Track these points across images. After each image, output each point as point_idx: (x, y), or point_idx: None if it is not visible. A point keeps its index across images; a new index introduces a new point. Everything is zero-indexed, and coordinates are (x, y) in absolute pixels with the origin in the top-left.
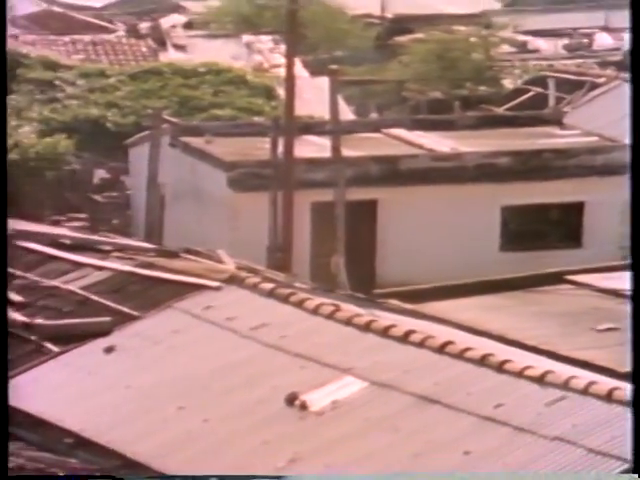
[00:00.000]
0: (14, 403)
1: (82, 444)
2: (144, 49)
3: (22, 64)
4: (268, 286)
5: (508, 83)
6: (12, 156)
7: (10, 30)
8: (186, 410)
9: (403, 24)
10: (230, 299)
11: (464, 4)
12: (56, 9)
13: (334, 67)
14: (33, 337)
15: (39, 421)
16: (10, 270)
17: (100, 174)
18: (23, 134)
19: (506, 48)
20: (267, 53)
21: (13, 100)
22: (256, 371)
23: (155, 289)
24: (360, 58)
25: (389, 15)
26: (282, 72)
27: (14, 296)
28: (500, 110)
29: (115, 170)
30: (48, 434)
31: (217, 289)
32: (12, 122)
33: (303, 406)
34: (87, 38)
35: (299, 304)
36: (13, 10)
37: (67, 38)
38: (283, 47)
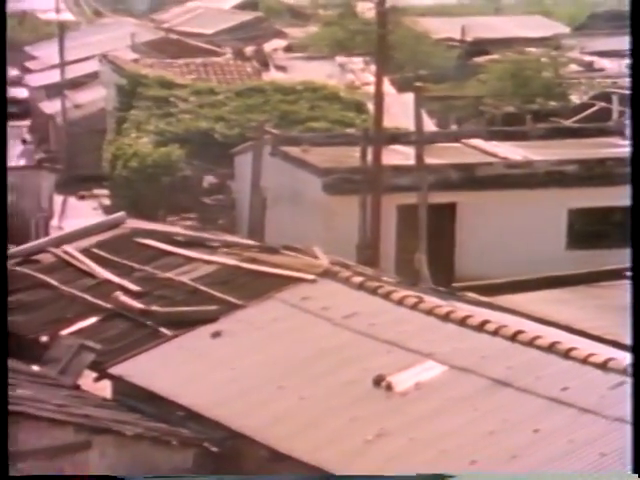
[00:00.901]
0: (134, 380)
1: (193, 417)
2: (249, 69)
3: (142, 84)
4: (358, 279)
5: (575, 98)
6: (132, 164)
7: (131, 55)
8: (285, 389)
9: (481, 46)
10: (324, 291)
11: (536, 28)
12: (172, 36)
13: (419, 84)
14: (149, 322)
15: (155, 396)
16: (129, 263)
17: (209, 179)
18: (141, 144)
19: (574, 67)
20: (358, 72)
21: (133, 115)
22: (347, 355)
23: (257, 281)
24: (442, 76)
25: (469, 38)
26: (372, 89)
27: (133, 286)
28: (568, 122)
29: (222, 176)
30: (163, 407)
31: (313, 282)
32: (132, 134)
33: (389, 387)
34: (199, 60)
35: (386, 296)
36: (135, 38)
37: (181, 61)
38: (373, 67)
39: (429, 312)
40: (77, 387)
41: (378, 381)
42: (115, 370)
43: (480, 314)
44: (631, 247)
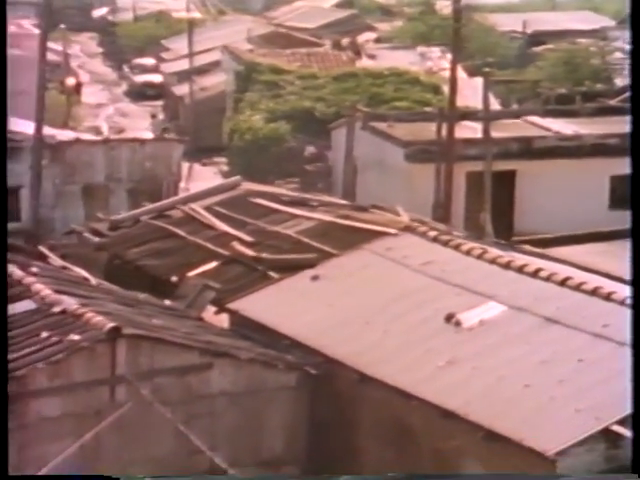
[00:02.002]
0: (248, 314)
1: (296, 345)
2: (344, 58)
3: (256, 70)
4: (433, 234)
5: (619, 81)
6: (246, 137)
7: (247, 46)
8: (372, 324)
9: (539, 38)
10: (405, 243)
11: (586, 22)
12: (281, 30)
13: (486, 70)
14: (260, 267)
15: (264, 327)
16: (244, 218)
17: (310, 150)
18: (255, 121)
19: (618, 55)
20: (436, 60)
21: (248, 96)
22: (423, 296)
23: (350, 234)
24: (506, 63)
25: (528, 31)
26: (447, 74)
27: (247, 237)
28: (612, 102)
29: (321, 147)
30: (271, 337)
31: (395, 235)
32: (247, 112)
33: (458, 323)
34: (303, 50)
35: (456, 247)
36: (251, 32)
37: (289, 51)
38: (448, 55)
39: (492, 261)
40: (201, 319)
41: (449, 318)
42: (232, 305)
43: (535, 263)
44: (631, 209)
